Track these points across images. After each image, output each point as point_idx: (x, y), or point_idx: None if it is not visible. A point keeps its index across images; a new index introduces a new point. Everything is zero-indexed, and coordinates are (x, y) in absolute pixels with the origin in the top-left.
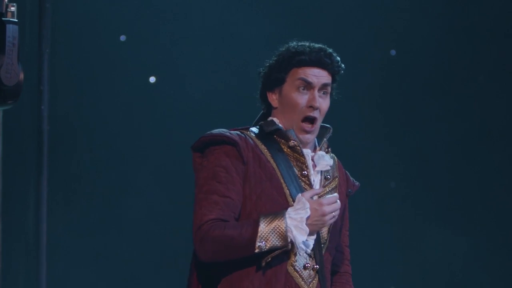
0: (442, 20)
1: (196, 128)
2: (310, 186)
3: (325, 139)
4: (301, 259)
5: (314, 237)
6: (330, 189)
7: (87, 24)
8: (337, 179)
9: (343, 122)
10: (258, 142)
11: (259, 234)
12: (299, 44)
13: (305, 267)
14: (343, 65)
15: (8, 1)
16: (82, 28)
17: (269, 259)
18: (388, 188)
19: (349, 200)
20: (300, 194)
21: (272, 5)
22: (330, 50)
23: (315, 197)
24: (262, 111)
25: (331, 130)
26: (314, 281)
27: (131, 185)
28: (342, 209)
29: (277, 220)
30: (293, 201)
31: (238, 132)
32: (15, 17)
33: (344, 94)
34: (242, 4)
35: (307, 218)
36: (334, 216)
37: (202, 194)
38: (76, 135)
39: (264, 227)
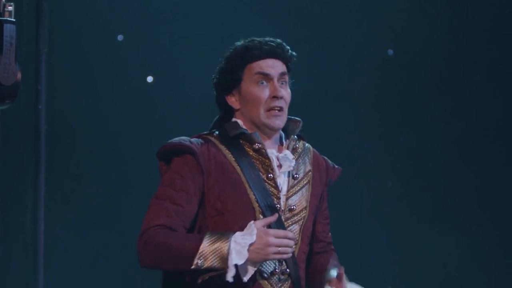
0: (439, 20)
1: (195, 128)
2: (276, 188)
3: (292, 135)
4: (269, 265)
5: (255, 268)
6: (300, 187)
7: (84, 23)
8: (310, 173)
9: (339, 121)
10: (222, 147)
11: (199, 251)
12: (247, 40)
13: (273, 273)
14: (294, 53)
15: (5, 1)
16: (79, 27)
17: (207, 277)
18: (385, 187)
19: (345, 201)
20: (252, 222)
21: (271, 5)
22: (279, 40)
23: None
24: (217, 116)
25: (300, 124)
26: (285, 285)
27: (129, 185)
28: (319, 200)
29: (220, 242)
30: (259, 206)
31: (201, 140)
32: (13, 16)
33: (340, 93)
34: (241, 4)
35: (251, 244)
36: (279, 252)
37: (155, 199)
38: (74, 134)
39: (206, 246)
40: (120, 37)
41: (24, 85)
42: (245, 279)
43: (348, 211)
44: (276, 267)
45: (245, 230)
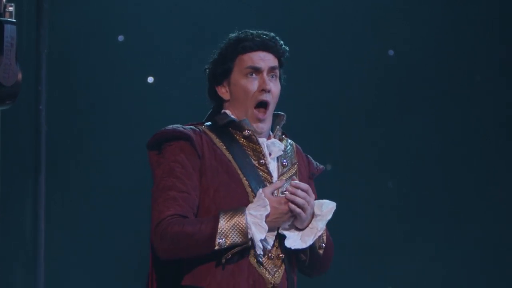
0: (440, 20)
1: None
2: (269, 174)
3: (278, 126)
4: (265, 251)
5: (275, 233)
6: (290, 175)
7: (85, 24)
8: (296, 165)
9: (340, 121)
10: (213, 136)
11: (219, 231)
12: (241, 32)
13: (269, 258)
14: (287, 48)
15: (6, 1)
16: (80, 28)
17: (229, 256)
18: (385, 188)
19: (346, 201)
20: (260, 190)
21: (271, 5)
22: (273, 34)
23: (279, 191)
24: (210, 110)
25: (284, 118)
26: (279, 270)
27: (129, 185)
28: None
29: (237, 216)
30: (252, 191)
31: (193, 127)
32: (13, 17)
33: (341, 93)
34: (241, 4)
35: (267, 216)
36: (295, 214)
37: (159, 191)
38: (74, 135)
39: (224, 224)
40: (120, 38)
41: (25, 85)
42: (269, 246)
43: (348, 211)
44: (271, 252)
45: (255, 200)
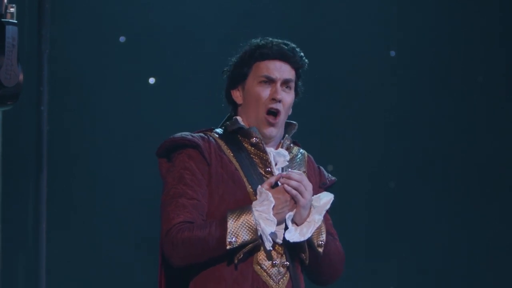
0: (442, 21)
1: (196, 128)
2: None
3: (287, 135)
4: (268, 257)
5: (283, 226)
6: None
7: (86, 24)
8: (305, 174)
9: (341, 122)
10: (221, 143)
11: (228, 230)
12: (262, 39)
13: (273, 265)
14: (306, 60)
15: (7, 2)
16: (81, 29)
17: (241, 255)
18: (387, 188)
19: (347, 201)
20: (259, 186)
21: (272, 5)
22: (294, 45)
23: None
24: (228, 113)
25: (296, 126)
26: (284, 278)
27: (131, 186)
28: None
29: (244, 215)
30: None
31: (201, 134)
32: (15, 18)
33: (343, 94)
34: (242, 4)
35: (273, 208)
36: (296, 200)
37: (169, 199)
38: (76, 135)
39: (232, 223)
40: (122, 39)
41: (26, 86)
42: (280, 241)
43: (350, 212)
44: (275, 259)
45: (258, 197)
